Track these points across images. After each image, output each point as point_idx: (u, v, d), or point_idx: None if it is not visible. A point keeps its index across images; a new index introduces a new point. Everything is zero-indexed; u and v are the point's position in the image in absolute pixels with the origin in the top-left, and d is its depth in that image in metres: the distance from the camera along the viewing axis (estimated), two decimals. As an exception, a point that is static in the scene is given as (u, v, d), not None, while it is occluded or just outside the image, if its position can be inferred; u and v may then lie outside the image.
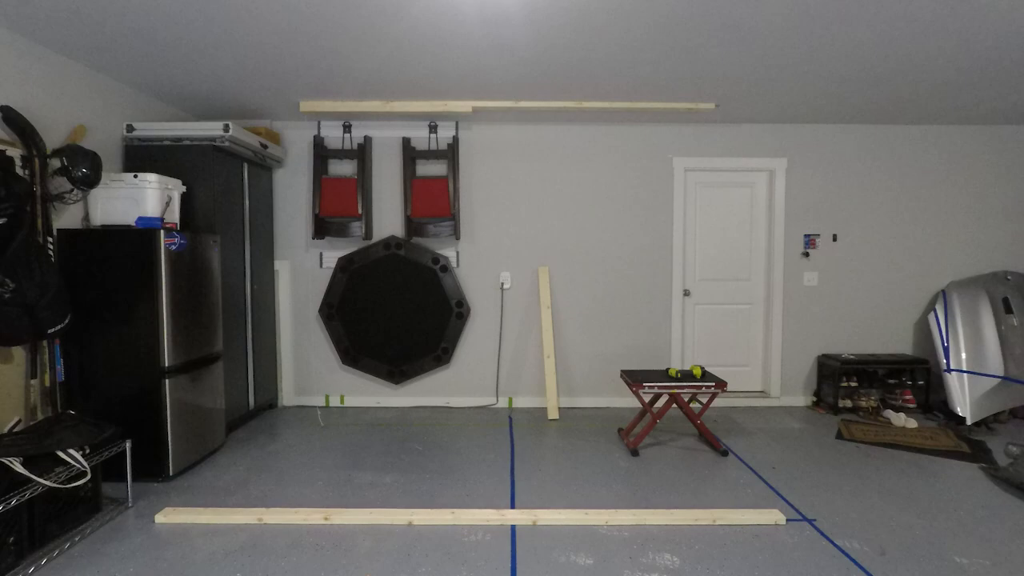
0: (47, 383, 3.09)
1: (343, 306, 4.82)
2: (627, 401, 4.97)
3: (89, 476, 2.71)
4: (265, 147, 4.39)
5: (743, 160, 4.95)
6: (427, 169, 4.88)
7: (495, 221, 4.93)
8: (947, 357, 4.46)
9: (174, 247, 3.33)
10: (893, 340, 5.07)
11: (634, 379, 3.88)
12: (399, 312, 4.82)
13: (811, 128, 4.94)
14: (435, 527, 2.80)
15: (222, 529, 2.78)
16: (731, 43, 3.13)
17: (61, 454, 2.62)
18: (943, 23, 2.86)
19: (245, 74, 3.66)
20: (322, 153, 4.78)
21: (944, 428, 4.35)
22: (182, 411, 3.39)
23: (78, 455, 2.66)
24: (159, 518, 2.85)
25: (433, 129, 4.82)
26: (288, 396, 4.99)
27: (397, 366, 4.86)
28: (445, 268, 4.81)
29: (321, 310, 4.84)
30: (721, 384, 3.79)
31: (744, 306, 5.13)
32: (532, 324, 4.97)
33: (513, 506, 3.04)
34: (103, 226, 3.37)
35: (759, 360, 5.16)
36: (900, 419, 4.42)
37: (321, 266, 4.92)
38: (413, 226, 4.81)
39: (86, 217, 3.46)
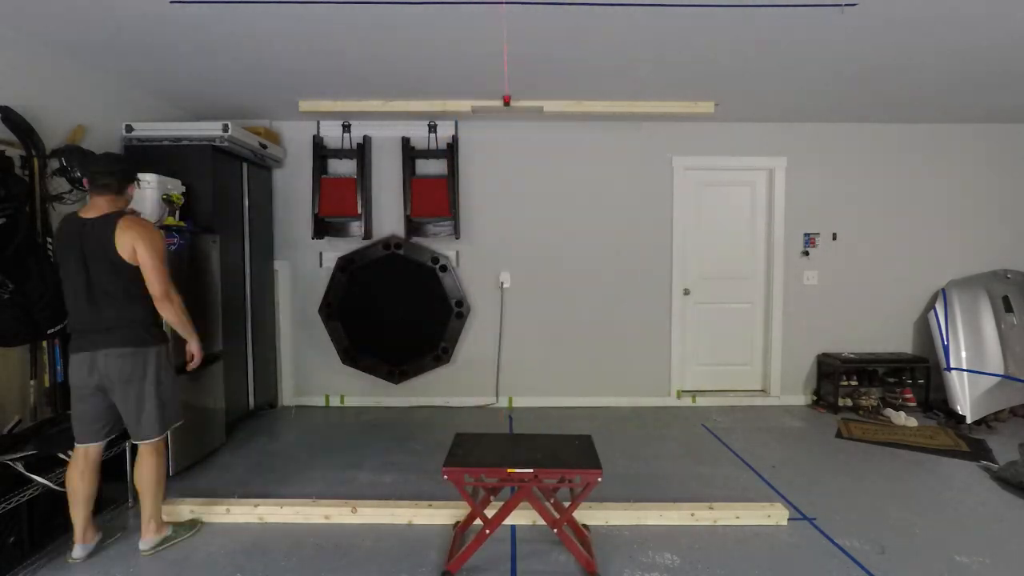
0: (47, 383, 3.08)
1: (343, 306, 4.81)
2: (628, 401, 4.97)
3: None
4: (264, 147, 4.38)
5: (743, 159, 4.95)
6: (426, 168, 4.88)
7: (495, 220, 4.92)
8: (947, 356, 4.46)
9: (173, 247, 3.32)
10: (893, 339, 5.06)
11: (456, 463, 2.39)
12: (399, 312, 4.81)
13: (811, 127, 4.93)
14: (435, 527, 2.80)
15: (222, 529, 2.78)
16: (731, 42, 3.13)
17: (61, 455, 2.62)
18: (943, 22, 2.86)
19: (245, 74, 3.65)
20: (321, 153, 4.78)
21: (944, 427, 4.35)
22: (182, 411, 3.37)
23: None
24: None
25: (432, 128, 4.81)
26: (288, 396, 4.98)
27: (397, 366, 4.86)
28: (445, 268, 4.80)
29: (321, 310, 4.83)
30: (594, 472, 2.38)
31: (744, 305, 5.12)
32: (532, 323, 4.97)
33: (513, 505, 3.04)
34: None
35: (759, 359, 5.16)
36: (900, 418, 4.42)
37: (321, 266, 4.92)
38: (413, 226, 4.81)
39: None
